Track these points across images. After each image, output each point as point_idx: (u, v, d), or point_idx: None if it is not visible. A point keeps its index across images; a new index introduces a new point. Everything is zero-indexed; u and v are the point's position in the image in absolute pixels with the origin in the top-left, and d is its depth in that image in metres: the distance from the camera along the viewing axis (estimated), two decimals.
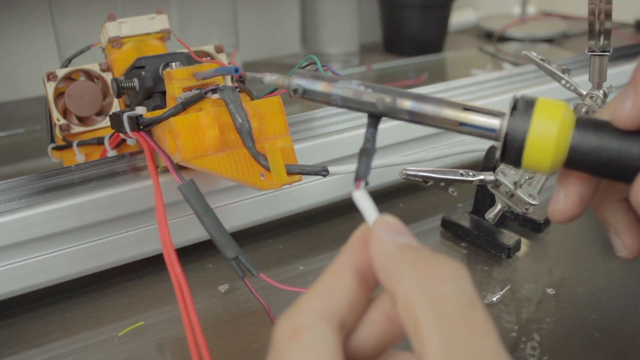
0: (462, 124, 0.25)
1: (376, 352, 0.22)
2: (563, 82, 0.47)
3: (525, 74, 0.61)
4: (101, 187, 0.39)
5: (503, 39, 1.06)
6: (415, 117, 0.25)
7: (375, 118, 0.26)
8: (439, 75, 0.90)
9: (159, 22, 0.46)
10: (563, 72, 0.47)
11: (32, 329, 0.38)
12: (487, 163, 0.46)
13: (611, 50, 0.43)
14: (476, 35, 1.13)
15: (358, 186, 0.24)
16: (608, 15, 0.41)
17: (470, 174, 0.42)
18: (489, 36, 1.09)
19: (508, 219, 0.50)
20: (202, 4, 0.81)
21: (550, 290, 0.41)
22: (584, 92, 0.46)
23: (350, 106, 0.25)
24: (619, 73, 0.64)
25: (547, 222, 0.48)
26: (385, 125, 0.50)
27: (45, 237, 0.38)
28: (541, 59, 0.48)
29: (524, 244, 0.47)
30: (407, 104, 0.25)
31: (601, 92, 0.45)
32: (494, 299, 0.40)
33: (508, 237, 0.45)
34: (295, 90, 0.26)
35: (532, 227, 0.48)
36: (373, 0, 1.03)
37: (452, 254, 0.46)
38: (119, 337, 0.38)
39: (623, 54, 0.67)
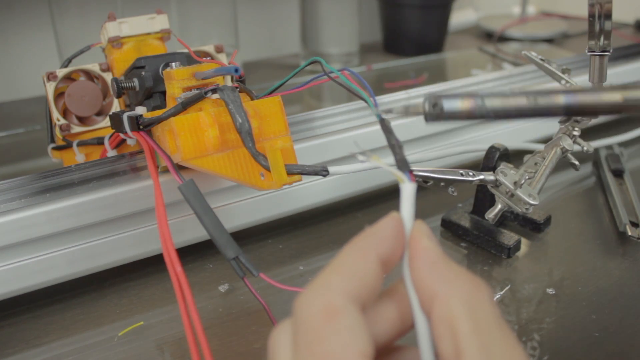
0: (626, 99, 0.24)
1: (380, 346, 0.22)
2: (563, 82, 0.47)
3: (525, 74, 0.61)
4: (101, 187, 0.39)
5: (503, 39, 1.06)
6: (571, 110, 0.24)
7: (389, 122, 0.26)
8: (439, 75, 0.90)
9: (159, 22, 0.46)
10: (563, 72, 0.47)
11: (32, 329, 0.38)
12: (487, 163, 0.46)
13: (611, 50, 0.43)
14: (476, 35, 1.13)
15: (413, 179, 0.24)
16: (608, 15, 0.41)
17: (470, 174, 0.42)
18: (489, 36, 1.09)
19: (508, 219, 0.50)
20: (202, 4, 0.81)
21: (550, 290, 0.41)
22: None
23: (498, 115, 0.25)
24: (619, 73, 0.64)
25: (547, 222, 0.48)
26: None
27: (45, 237, 0.38)
28: (541, 59, 0.48)
29: (524, 244, 0.47)
30: (561, 100, 0.24)
31: None
32: (494, 299, 0.40)
33: (508, 237, 0.45)
34: (435, 106, 0.25)
35: (532, 227, 0.48)
36: (373, 0, 1.03)
37: (452, 254, 0.46)
38: (119, 337, 0.38)
39: (623, 54, 0.67)
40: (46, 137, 0.49)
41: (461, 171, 0.42)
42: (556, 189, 0.56)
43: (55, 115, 0.46)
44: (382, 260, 0.22)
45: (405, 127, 0.51)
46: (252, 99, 0.39)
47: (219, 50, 0.48)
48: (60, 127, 0.46)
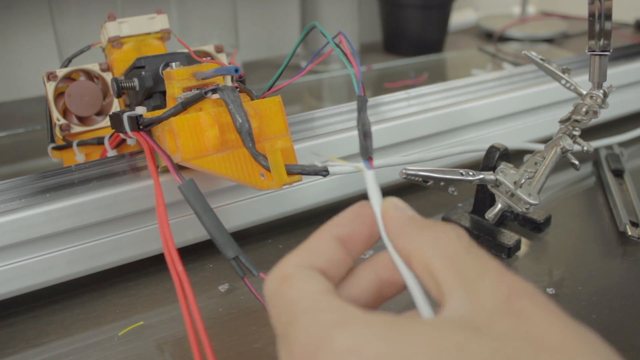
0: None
1: (368, 307, 0.25)
2: (563, 82, 0.47)
3: (525, 74, 0.61)
4: (101, 187, 0.39)
5: (503, 39, 1.06)
6: None
7: (364, 100, 0.28)
8: (439, 75, 0.90)
9: (159, 22, 0.46)
10: (563, 72, 0.47)
11: (32, 329, 0.38)
12: (487, 163, 0.46)
13: (611, 50, 0.43)
14: (476, 35, 1.13)
15: (372, 166, 0.26)
16: (608, 14, 0.41)
17: (471, 173, 0.42)
18: (489, 36, 1.09)
19: (508, 218, 0.50)
20: (202, 4, 0.81)
21: (550, 290, 0.41)
22: (584, 92, 0.46)
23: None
24: (619, 73, 0.64)
25: (547, 221, 0.48)
26: (384, 125, 0.50)
27: (45, 237, 0.38)
28: (541, 59, 0.48)
29: (524, 243, 0.47)
30: None
31: (601, 91, 0.45)
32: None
33: (508, 236, 0.45)
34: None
35: (532, 226, 0.48)
36: (373, 0, 1.03)
37: None
38: (119, 337, 0.38)
39: (623, 54, 0.67)
40: (46, 137, 0.49)
41: (461, 171, 0.42)
42: (556, 189, 0.56)
43: (55, 115, 0.46)
44: (341, 239, 0.25)
45: (405, 128, 0.51)
46: (252, 99, 0.39)
47: (219, 50, 0.48)
48: (60, 127, 0.46)
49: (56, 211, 0.37)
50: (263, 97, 0.39)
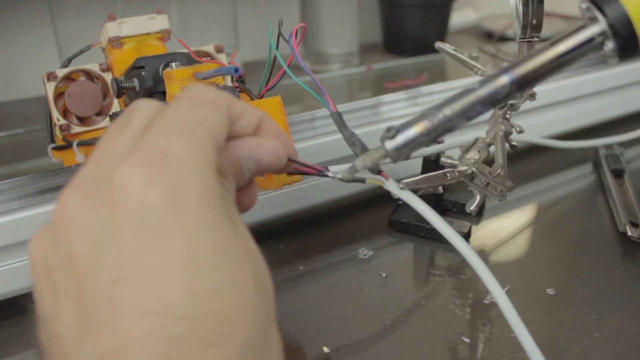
0: (563, 55, 0.26)
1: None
2: (475, 69, 0.50)
3: None
4: None
5: (503, 39, 1.06)
6: (517, 83, 0.26)
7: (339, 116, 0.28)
8: (439, 75, 0.90)
9: (159, 22, 0.46)
10: (473, 59, 0.49)
11: (32, 329, 0.38)
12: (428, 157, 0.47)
13: (540, 36, 0.43)
14: (476, 35, 1.13)
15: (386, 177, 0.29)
16: (540, 1, 0.42)
17: (453, 173, 0.42)
18: (489, 36, 1.09)
19: (447, 208, 0.50)
20: (202, 4, 0.81)
21: (550, 290, 0.41)
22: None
23: (461, 117, 0.27)
24: (619, 73, 0.64)
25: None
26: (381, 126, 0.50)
27: None
28: (453, 49, 0.50)
29: (525, 243, 0.47)
30: (504, 80, 0.26)
31: None
32: (494, 299, 0.40)
33: (461, 225, 0.46)
34: (393, 138, 0.27)
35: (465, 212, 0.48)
36: (373, 0, 1.03)
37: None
38: None
39: None
40: (46, 137, 0.49)
41: (447, 174, 0.42)
42: (556, 189, 0.56)
43: (55, 115, 0.46)
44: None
45: None
46: (252, 99, 0.39)
47: (219, 50, 0.48)
48: (60, 127, 0.46)
49: None
50: (260, 98, 0.39)
